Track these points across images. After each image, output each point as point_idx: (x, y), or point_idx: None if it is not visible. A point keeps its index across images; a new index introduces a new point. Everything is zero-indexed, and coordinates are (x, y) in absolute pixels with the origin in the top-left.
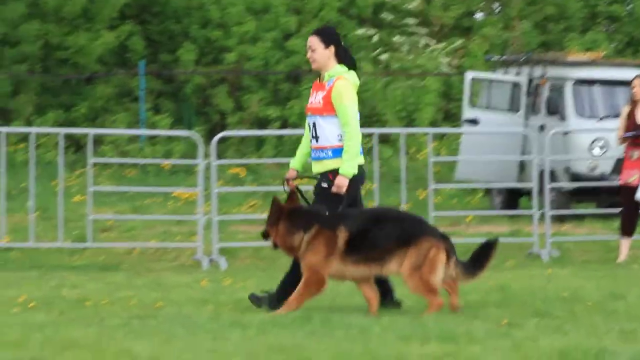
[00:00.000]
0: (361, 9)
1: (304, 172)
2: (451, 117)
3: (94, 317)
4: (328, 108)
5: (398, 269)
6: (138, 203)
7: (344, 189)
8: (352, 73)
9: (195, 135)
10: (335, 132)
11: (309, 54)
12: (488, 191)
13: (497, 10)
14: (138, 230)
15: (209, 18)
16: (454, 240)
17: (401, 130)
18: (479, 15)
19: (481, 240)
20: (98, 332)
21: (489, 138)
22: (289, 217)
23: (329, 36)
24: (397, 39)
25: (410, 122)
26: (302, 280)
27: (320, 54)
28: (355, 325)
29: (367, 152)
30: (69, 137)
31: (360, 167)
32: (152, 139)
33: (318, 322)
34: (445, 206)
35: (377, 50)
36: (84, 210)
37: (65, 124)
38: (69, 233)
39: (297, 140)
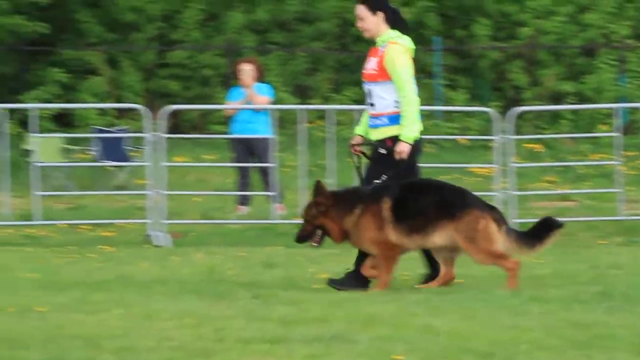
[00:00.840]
0: None
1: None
2: None
3: (394, 293)
4: (382, 74)
5: (441, 242)
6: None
7: (405, 155)
8: (406, 37)
9: (491, 110)
10: (391, 98)
11: (358, 24)
12: None
13: None
14: None
15: None
16: None
17: None
18: None
19: None
20: (399, 308)
21: None
22: (338, 201)
23: (375, 2)
24: None
25: None
26: (378, 258)
27: (370, 21)
28: None
29: None
30: None
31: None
32: (448, 114)
33: (619, 298)
34: None
35: None
36: None
37: (362, 101)
38: None
39: (592, 115)
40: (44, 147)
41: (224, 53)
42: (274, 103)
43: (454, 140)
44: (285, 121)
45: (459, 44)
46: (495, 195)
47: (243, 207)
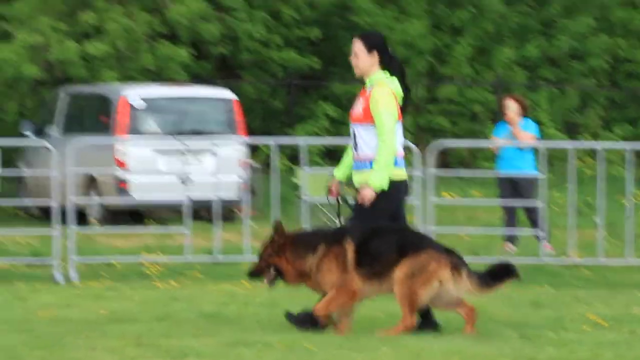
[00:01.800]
0: None
1: (348, 182)
2: None
3: None
4: (367, 117)
5: None
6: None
7: (367, 201)
8: (394, 80)
9: None
10: (375, 142)
11: (352, 59)
12: None
13: None
14: None
15: None
16: None
17: None
18: None
19: None
20: None
21: None
22: (295, 242)
23: (373, 41)
24: None
25: None
26: (330, 296)
27: (363, 60)
28: None
29: None
30: (637, 152)
31: (400, 181)
32: None
33: None
34: None
35: None
36: None
37: (633, 138)
38: (638, 250)
39: None
40: (313, 182)
41: (493, 89)
42: (542, 139)
43: None
44: (553, 158)
45: None
46: None
47: (510, 244)
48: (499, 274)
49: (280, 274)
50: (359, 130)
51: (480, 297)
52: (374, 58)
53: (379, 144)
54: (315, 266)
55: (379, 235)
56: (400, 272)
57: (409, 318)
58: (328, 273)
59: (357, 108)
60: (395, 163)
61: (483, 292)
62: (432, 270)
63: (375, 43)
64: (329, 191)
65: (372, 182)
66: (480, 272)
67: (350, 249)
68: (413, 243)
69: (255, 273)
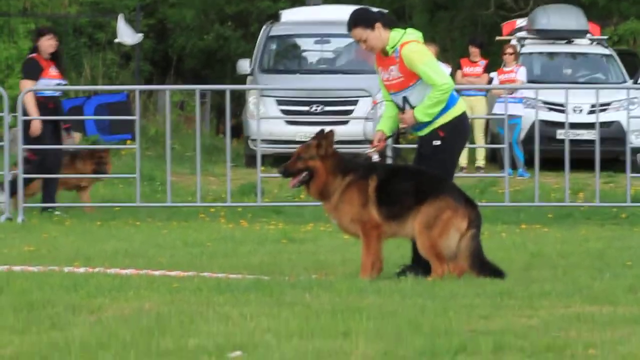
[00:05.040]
0: None
1: (392, 135)
2: None
3: None
4: (410, 77)
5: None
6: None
7: (405, 122)
8: (409, 31)
9: None
10: (427, 93)
11: (364, 47)
12: None
13: None
14: None
15: None
16: None
17: None
18: None
19: None
20: None
21: None
22: (338, 158)
23: (366, 19)
24: None
25: None
26: (361, 237)
27: (372, 38)
28: None
29: None
30: None
31: (459, 121)
32: None
33: None
34: None
35: None
36: None
37: None
38: None
39: None
40: None
41: None
42: None
43: None
44: None
45: None
46: None
47: None
48: (489, 268)
49: (310, 180)
50: (409, 94)
51: (458, 266)
52: (379, 28)
53: (434, 87)
54: (339, 194)
55: (401, 176)
56: (417, 223)
57: (439, 267)
58: (349, 205)
59: (394, 75)
60: (453, 99)
61: (465, 265)
62: (447, 219)
63: (369, 18)
64: (373, 144)
65: (417, 111)
66: (480, 250)
67: (372, 184)
68: (433, 186)
69: (289, 172)
